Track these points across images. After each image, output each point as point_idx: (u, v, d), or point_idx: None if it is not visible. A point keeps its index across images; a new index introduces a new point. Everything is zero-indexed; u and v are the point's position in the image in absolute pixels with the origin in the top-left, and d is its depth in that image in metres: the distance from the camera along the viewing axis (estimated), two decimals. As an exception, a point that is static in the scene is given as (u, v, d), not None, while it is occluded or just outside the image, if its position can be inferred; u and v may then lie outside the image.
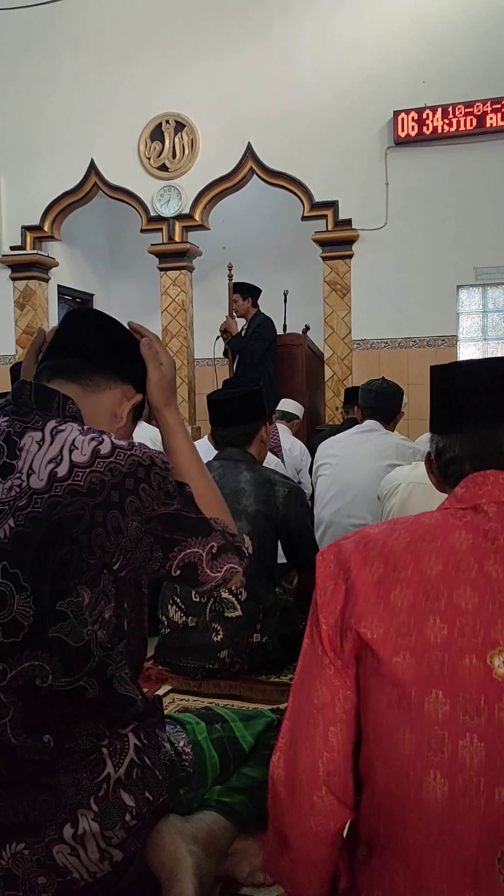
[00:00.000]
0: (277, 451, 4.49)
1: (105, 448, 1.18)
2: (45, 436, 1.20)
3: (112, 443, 1.19)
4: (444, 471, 1.11)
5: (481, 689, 0.92)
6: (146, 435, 3.14)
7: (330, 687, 1.02)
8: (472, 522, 1.00)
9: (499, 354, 6.52)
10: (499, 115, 6.01)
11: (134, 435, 1.40)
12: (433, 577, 0.97)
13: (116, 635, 1.21)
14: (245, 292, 6.15)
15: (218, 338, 6.28)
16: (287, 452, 4.65)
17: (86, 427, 1.23)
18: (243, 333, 6.15)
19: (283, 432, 4.98)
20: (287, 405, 5.38)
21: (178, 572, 1.27)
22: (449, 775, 0.92)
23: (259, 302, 6.21)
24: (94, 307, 8.92)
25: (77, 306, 8.78)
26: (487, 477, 1.03)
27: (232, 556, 1.33)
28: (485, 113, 6.02)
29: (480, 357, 6.38)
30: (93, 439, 1.19)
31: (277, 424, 5.06)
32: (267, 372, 6.00)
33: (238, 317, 6.22)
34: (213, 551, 1.29)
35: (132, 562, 1.20)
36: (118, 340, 1.36)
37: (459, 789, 0.92)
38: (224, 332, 6.18)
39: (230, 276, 6.21)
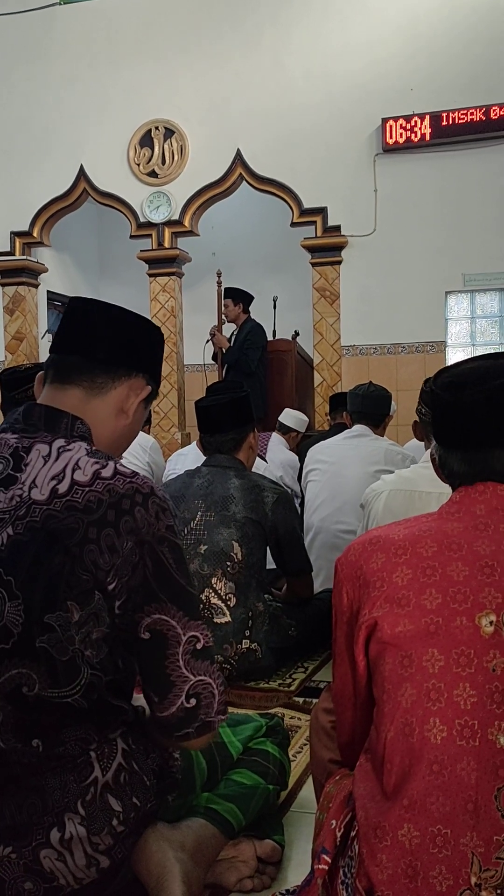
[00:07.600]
0: (262, 455, 4.43)
1: (107, 472, 1.19)
2: (51, 451, 1.21)
3: (115, 468, 1.20)
4: (446, 477, 1.21)
5: (471, 645, 1.03)
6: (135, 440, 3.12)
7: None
8: (466, 516, 1.12)
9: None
10: (486, 122, 6.04)
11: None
12: (428, 557, 1.09)
13: (109, 666, 1.19)
14: (237, 298, 6.16)
15: (208, 341, 6.29)
16: (270, 461, 4.47)
17: (93, 448, 1.23)
18: (232, 340, 6.16)
19: (277, 443, 4.88)
20: (287, 417, 5.08)
21: (147, 635, 1.18)
22: (447, 721, 1.00)
23: (249, 308, 6.23)
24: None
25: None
26: (477, 488, 1.14)
27: (215, 670, 1.23)
28: (472, 120, 6.07)
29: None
30: (96, 462, 1.20)
31: (273, 434, 4.97)
32: (258, 378, 6.01)
33: (228, 321, 6.23)
34: (198, 647, 1.21)
35: (128, 590, 1.16)
36: (123, 333, 1.32)
37: (457, 732, 1.00)
38: (213, 336, 6.20)
39: (219, 283, 6.22)
